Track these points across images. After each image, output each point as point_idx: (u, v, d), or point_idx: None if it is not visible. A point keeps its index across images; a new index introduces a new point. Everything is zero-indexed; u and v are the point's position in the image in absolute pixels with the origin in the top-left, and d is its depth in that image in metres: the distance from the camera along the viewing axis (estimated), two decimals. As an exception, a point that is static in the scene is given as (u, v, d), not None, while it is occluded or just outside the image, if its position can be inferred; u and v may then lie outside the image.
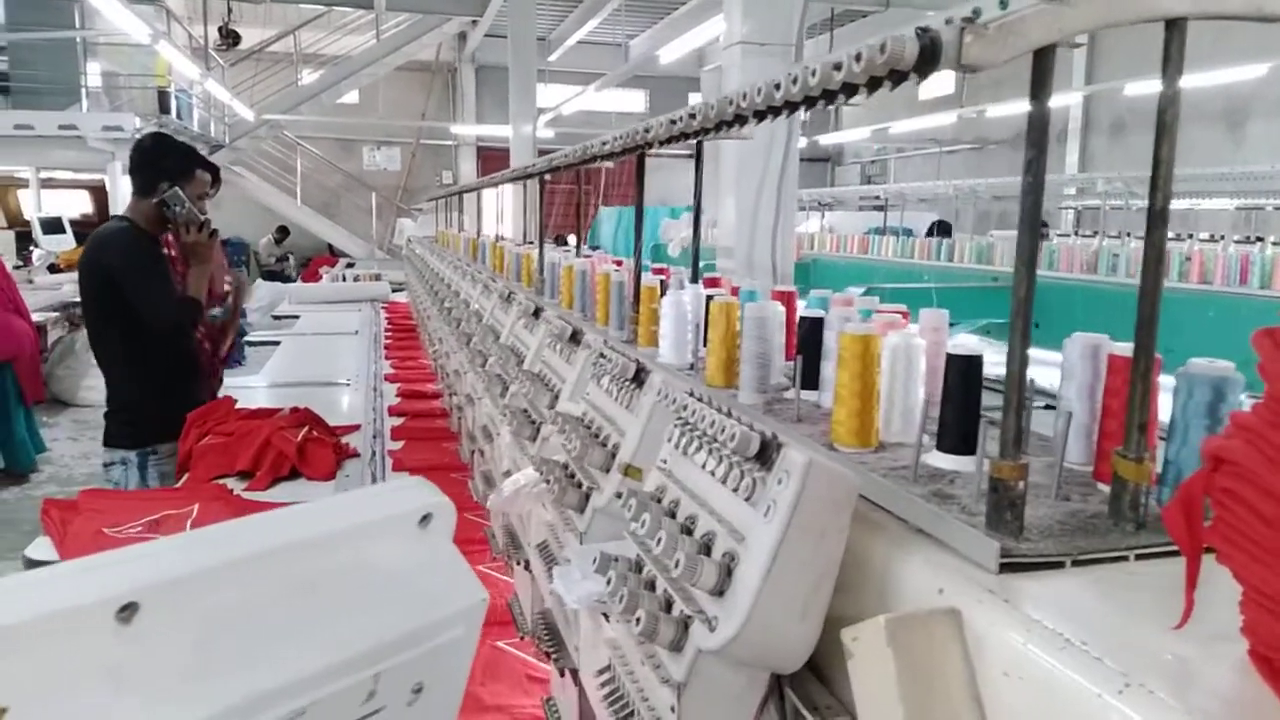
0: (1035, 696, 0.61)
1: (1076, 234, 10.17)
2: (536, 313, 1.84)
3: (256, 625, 0.41)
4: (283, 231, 16.28)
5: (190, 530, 2.14)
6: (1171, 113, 0.72)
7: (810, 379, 1.23)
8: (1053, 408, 0.98)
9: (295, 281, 12.69)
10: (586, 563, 0.99)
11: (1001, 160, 13.66)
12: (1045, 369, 2.06)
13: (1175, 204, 0.70)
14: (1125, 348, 0.81)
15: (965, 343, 0.94)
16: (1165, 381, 0.81)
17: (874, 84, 0.75)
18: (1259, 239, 6.52)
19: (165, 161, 2.95)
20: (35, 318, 7.04)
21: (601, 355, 1.21)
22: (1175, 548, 0.61)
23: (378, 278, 9.19)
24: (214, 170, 3.13)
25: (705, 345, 1.52)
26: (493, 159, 17.83)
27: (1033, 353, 0.81)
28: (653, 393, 1.05)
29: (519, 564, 1.55)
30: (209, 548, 0.45)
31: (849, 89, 0.80)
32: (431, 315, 3.92)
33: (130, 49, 11.10)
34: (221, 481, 2.53)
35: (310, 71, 14.41)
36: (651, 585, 0.85)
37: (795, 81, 0.86)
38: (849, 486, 0.72)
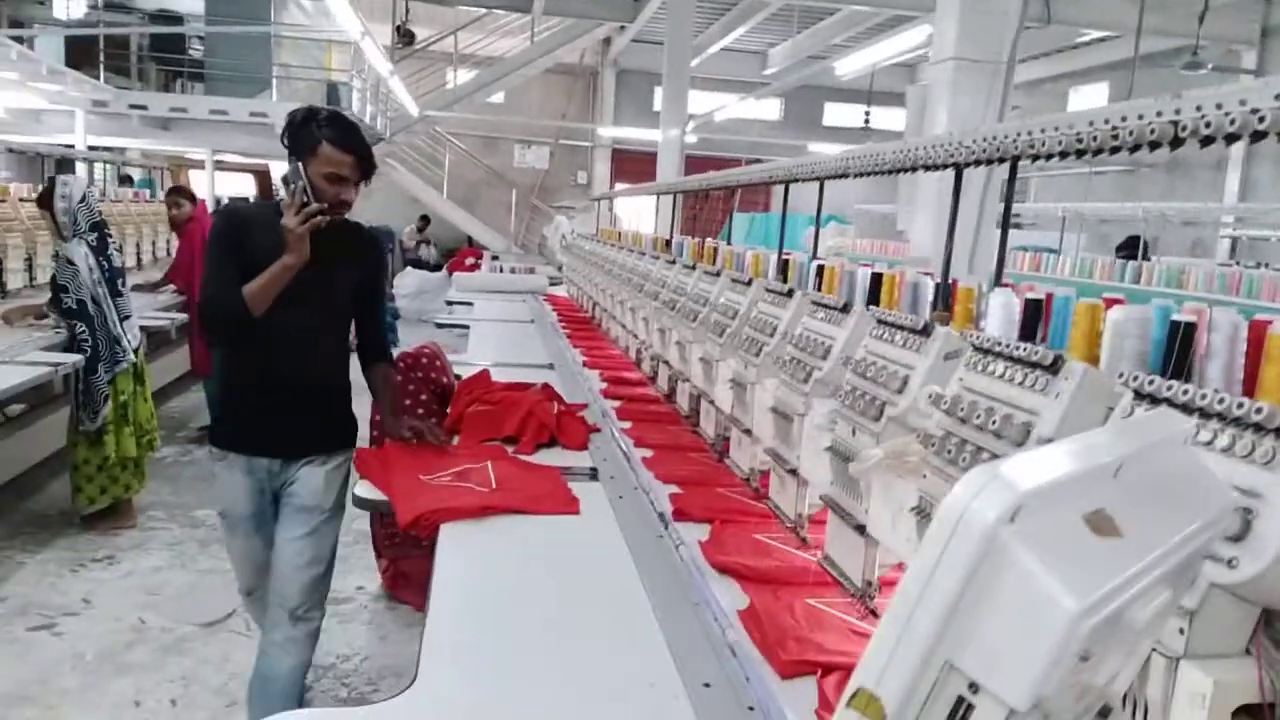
0: None
1: (1239, 264, 9.83)
2: (845, 308, 2.01)
3: (1157, 496, 0.59)
4: (424, 220, 17.03)
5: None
6: None
7: (1183, 378, 1.37)
8: None
9: (440, 270, 13.29)
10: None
11: (1156, 184, 13.23)
12: None
13: None
14: None
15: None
16: None
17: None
18: None
19: (295, 135, 2.50)
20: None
21: (987, 347, 1.38)
22: None
23: (531, 270, 9.57)
24: (358, 152, 2.56)
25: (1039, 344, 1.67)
26: (626, 161, 18.23)
27: None
28: (1075, 379, 1.21)
29: (854, 528, 1.72)
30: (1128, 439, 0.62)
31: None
32: (639, 307, 4.15)
33: (306, 44, 11.84)
34: (493, 443, 2.79)
35: (465, 71, 15.04)
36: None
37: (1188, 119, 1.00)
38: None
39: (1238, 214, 10.45)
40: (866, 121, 17.02)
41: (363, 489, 2.40)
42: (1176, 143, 1.30)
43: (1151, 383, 1.07)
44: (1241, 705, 0.92)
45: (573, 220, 10.23)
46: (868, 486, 1.66)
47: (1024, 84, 15.34)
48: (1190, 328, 1.39)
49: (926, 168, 1.98)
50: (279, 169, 11.75)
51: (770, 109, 19.13)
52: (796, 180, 2.99)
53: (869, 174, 2.40)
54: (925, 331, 1.65)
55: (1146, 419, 0.87)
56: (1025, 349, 1.32)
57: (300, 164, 2.45)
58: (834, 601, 1.82)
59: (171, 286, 6.73)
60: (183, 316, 6.19)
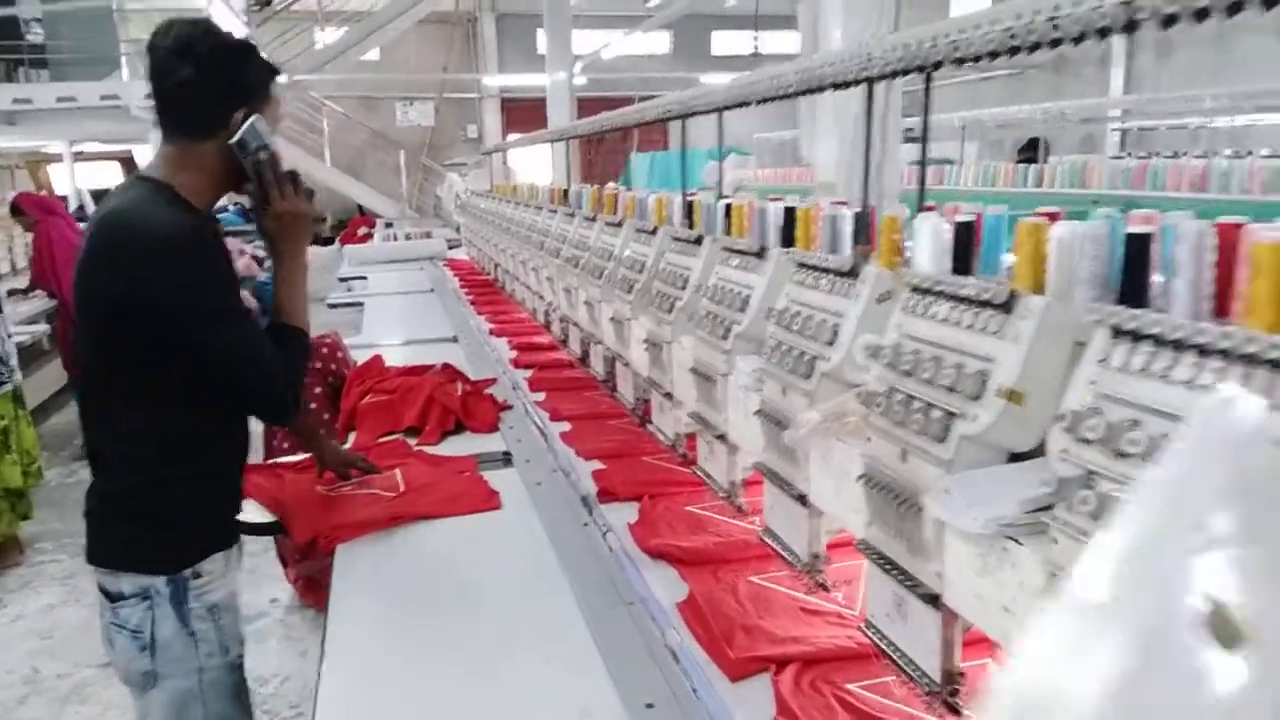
0: None
1: (1129, 155, 10.02)
2: (760, 253, 1.82)
3: None
4: (308, 195, 16.21)
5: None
6: None
7: (1137, 295, 1.22)
8: None
9: (333, 243, 12.68)
10: (971, 490, 1.00)
11: (1043, 85, 13.39)
12: None
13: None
14: None
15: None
16: None
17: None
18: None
19: (247, 72, 1.69)
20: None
21: (937, 285, 1.20)
22: None
23: (428, 235, 9.16)
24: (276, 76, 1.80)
25: (960, 271, 1.51)
26: (518, 110, 17.67)
27: None
28: (1034, 316, 1.04)
29: (794, 498, 1.56)
30: None
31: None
32: (541, 267, 3.91)
33: (158, 15, 10.98)
34: (394, 438, 2.55)
35: (333, 29, 14.23)
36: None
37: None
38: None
39: (1125, 107, 10.63)
40: (756, 48, 16.79)
41: (248, 510, 2.14)
42: (1103, 32, 1.14)
43: (1134, 318, 0.90)
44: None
45: (465, 178, 9.81)
46: (806, 452, 1.49)
47: (906, -5, 15.30)
48: (1145, 240, 1.24)
49: (835, 86, 1.78)
50: (144, 154, 10.85)
51: (660, 43, 18.71)
52: (695, 114, 2.76)
53: (773, 99, 2.20)
54: (852, 272, 1.47)
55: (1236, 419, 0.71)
56: (971, 285, 1.15)
57: (258, 117, 1.68)
58: (779, 576, 1.66)
59: (40, 292, 6.35)
60: (43, 328, 5.76)
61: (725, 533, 1.87)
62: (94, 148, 13.26)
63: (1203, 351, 0.82)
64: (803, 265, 1.63)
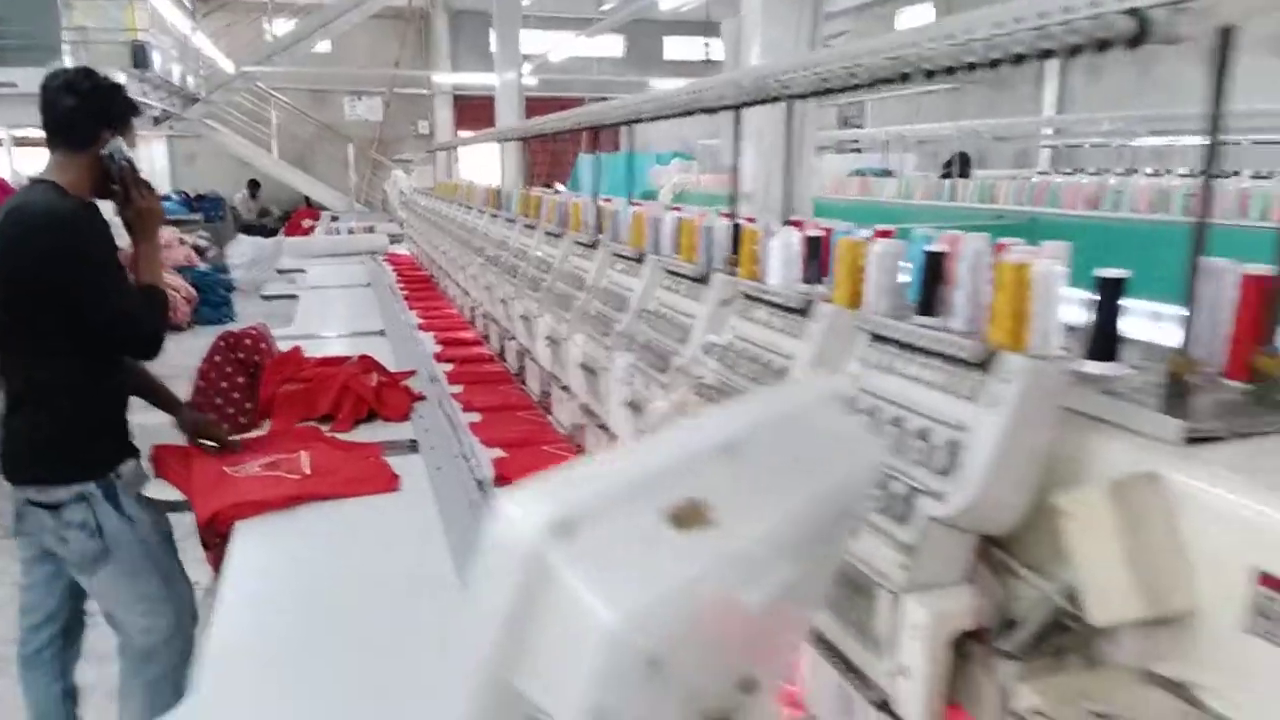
0: (1230, 528, 0.79)
1: (1056, 171, 10.41)
2: (640, 258, 1.98)
3: (783, 468, 0.57)
4: (254, 186, 16.08)
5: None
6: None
7: (929, 305, 1.41)
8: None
9: (276, 235, 12.64)
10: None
11: (981, 100, 13.81)
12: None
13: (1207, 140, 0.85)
14: (1257, 268, 0.99)
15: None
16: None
17: (1073, 52, 0.91)
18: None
19: (112, 103, 2.27)
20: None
21: (755, 292, 1.37)
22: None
23: (371, 230, 9.22)
24: (138, 115, 2.49)
25: (811, 281, 1.70)
26: (469, 108, 17.69)
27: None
28: (825, 320, 1.22)
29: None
30: (752, 414, 0.61)
31: (1048, 54, 0.95)
32: (467, 264, 4.04)
33: (104, 3, 10.88)
34: (308, 424, 2.67)
35: (283, 21, 14.16)
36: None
37: (991, 41, 1.01)
38: (1059, 382, 0.90)
39: (1055, 125, 11.04)
40: (707, 54, 17.03)
41: (156, 488, 2.26)
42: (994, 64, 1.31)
43: (885, 327, 1.08)
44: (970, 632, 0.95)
45: (411, 174, 9.86)
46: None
47: (852, 9, 15.64)
48: (938, 257, 1.43)
49: (707, 110, 1.96)
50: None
51: (613, 46, 18.87)
52: (604, 126, 2.93)
53: (664, 117, 2.37)
54: (704, 279, 1.64)
55: (801, 384, 0.88)
56: (781, 294, 1.32)
57: (122, 140, 2.26)
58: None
59: None
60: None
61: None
62: (32, 133, 13.06)
63: (915, 349, 1.00)
64: (670, 271, 1.80)
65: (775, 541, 0.52)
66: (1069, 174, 8.99)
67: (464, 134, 15.09)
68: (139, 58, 11.60)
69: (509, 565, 0.41)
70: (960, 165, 8.69)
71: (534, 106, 11.37)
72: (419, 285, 5.92)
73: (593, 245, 2.35)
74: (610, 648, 0.39)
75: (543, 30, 15.57)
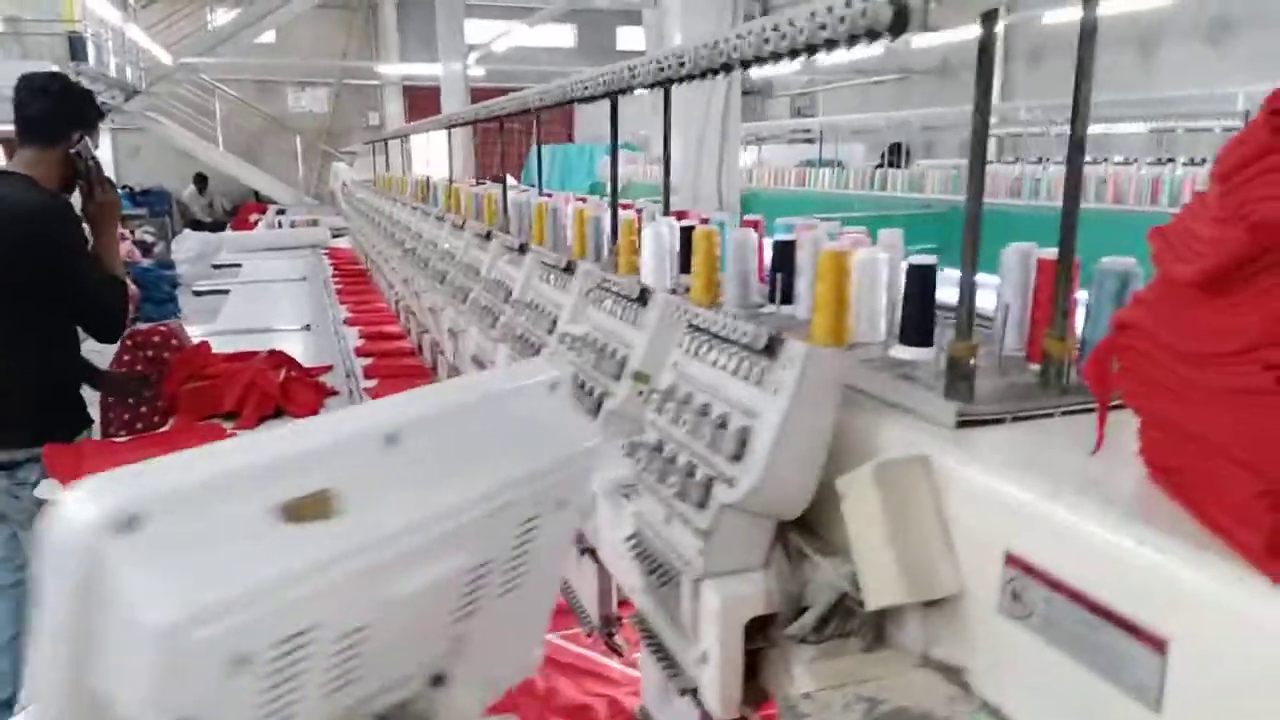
0: (986, 511, 0.81)
1: (999, 160, 10.54)
2: (523, 248, 1.98)
3: (455, 456, 0.57)
4: (201, 180, 15.78)
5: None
6: (1087, 50, 0.91)
7: (786, 294, 1.43)
8: (985, 326, 1.18)
9: (224, 229, 12.43)
10: (609, 455, 1.17)
11: (927, 90, 13.93)
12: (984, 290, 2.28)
13: (1091, 129, 0.87)
14: (1051, 253, 1.01)
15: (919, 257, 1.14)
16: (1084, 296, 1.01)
17: (851, 41, 0.92)
18: (1169, 160, 6.91)
19: (82, 106, 2.56)
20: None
21: (604, 282, 1.38)
22: (1092, 406, 0.81)
23: (315, 223, 9.11)
24: (102, 119, 2.80)
25: (685, 270, 1.71)
26: (420, 99, 17.47)
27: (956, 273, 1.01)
28: (657, 308, 1.23)
29: (583, 551, 1.72)
30: (429, 401, 0.60)
31: (828, 44, 0.97)
32: (390, 258, 4.01)
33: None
34: (212, 421, 2.64)
35: (225, 11, 13.91)
36: (671, 461, 1.03)
37: (777, 31, 1.02)
38: (837, 366, 0.91)
39: (998, 114, 11.18)
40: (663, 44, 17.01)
41: (46, 489, 2.22)
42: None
43: (696, 316, 1.09)
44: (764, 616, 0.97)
45: (354, 166, 9.74)
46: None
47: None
48: (788, 247, 1.44)
49: (582, 100, 1.95)
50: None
51: (564, 36, 18.78)
52: (512, 115, 2.91)
53: (571, 101, 2.35)
54: (569, 269, 1.64)
55: (513, 369, 0.88)
56: (620, 282, 1.33)
57: (88, 139, 2.54)
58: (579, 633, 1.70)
59: None
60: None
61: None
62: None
63: (715, 337, 1.01)
64: (543, 262, 1.80)
65: (432, 530, 0.52)
66: (1011, 163, 9.12)
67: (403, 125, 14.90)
68: (76, 49, 11.34)
69: (64, 563, 0.40)
70: (897, 155, 8.77)
71: (483, 98, 11.28)
72: (354, 278, 5.87)
73: (487, 237, 2.34)
74: (168, 647, 0.39)
75: (493, 20, 15.45)
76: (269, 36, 14.99)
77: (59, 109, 2.48)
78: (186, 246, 11.71)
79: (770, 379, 0.92)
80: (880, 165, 7.48)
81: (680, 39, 4.20)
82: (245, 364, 2.90)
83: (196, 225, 14.43)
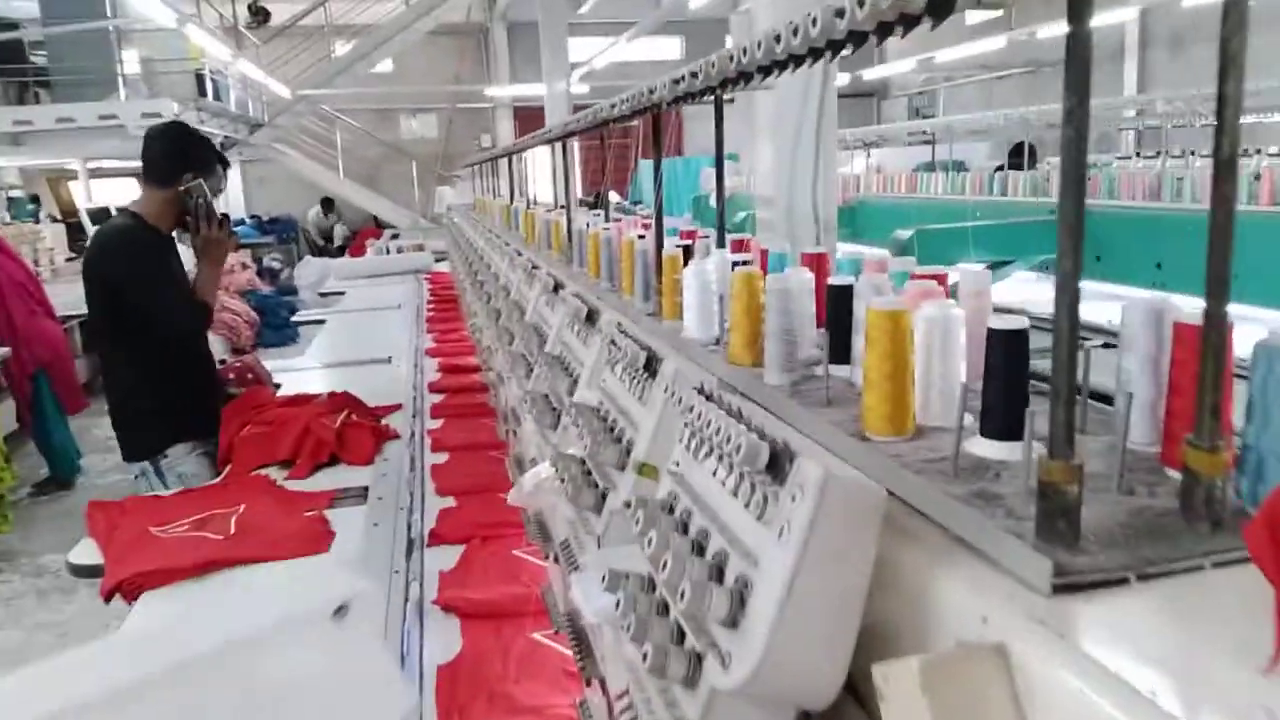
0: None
1: (1138, 156, 9.72)
2: (556, 288, 1.75)
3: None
4: (328, 204, 16.36)
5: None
6: (1237, 42, 0.60)
7: (841, 353, 1.14)
8: (1112, 345, 0.87)
9: (343, 254, 12.78)
10: (603, 569, 0.91)
11: (1058, 84, 13.06)
12: (1109, 304, 1.89)
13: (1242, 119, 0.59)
14: (1193, 313, 0.70)
15: (1009, 312, 0.84)
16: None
17: (908, 22, 0.65)
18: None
19: (192, 150, 2.82)
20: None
21: (613, 342, 1.13)
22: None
23: (420, 248, 9.19)
24: (226, 165, 3.03)
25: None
26: (530, 119, 17.66)
27: (1096, 286, 0.71)
28: (665, 382, 0.97)
29: (550, 556, 1.48)
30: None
31: (883, 29, 0.70)
32: (467, 288, 3.87)
33: (165, 34, 11.15)
34: (264, 471, 2.52)
35: (344, 43, 14.36)
36: (666, 606, 0.77)
37: (816, 23, 0.76)
38: (873, 501, 0.63)
39: (1134, 106, 10.31)
40: (769, 50, 16.56)
41: (80, 551, 2.12)
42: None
43: (708, 395, 0.82)
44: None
45: (456, 189, 9.81)
46: (550, 510, 1.42)
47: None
48: (844, 293, 1.16)
49: (615, 121, 1.70)
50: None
51: (672, 48, 18.64)
52: (599, 125, 2.69)
53: (614, 121, 2.12)
54: (590, 319, 1.40)
55: (289, 588, 0.63)
56: (624, 344, 1.07)
57: (201, 180, 2.75)
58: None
59: None
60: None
61: (536, 581, 1.80)
62: (113, 164, 13.53)
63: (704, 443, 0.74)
64: (574, 307, 1.56)
65: None
66: (1151, 158, 8.33)
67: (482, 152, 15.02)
68: (202, 86, 11.90)
69: None
70: (1021, 155, 8.14)
71: (586, 115, 11.20)
72: (447, 306, 5.81)
73: (534, 270, 2.13)
74: None
75: (598, 37, 15.44)
76: (386, 66, 15.40)
77: (171, 152, 2.77)
78: (307, 272, 12.11)
79: (776, 513, 0.65)
80: (1001, 167, 6.91)
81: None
82: (303, 408, 2.78)
83: (320, 250, 14.97)
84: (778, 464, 0.65)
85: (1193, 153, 7.48)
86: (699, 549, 0.74)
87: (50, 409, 5.69)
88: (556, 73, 10.79)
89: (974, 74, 15.05)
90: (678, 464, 0.85)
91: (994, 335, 0.81)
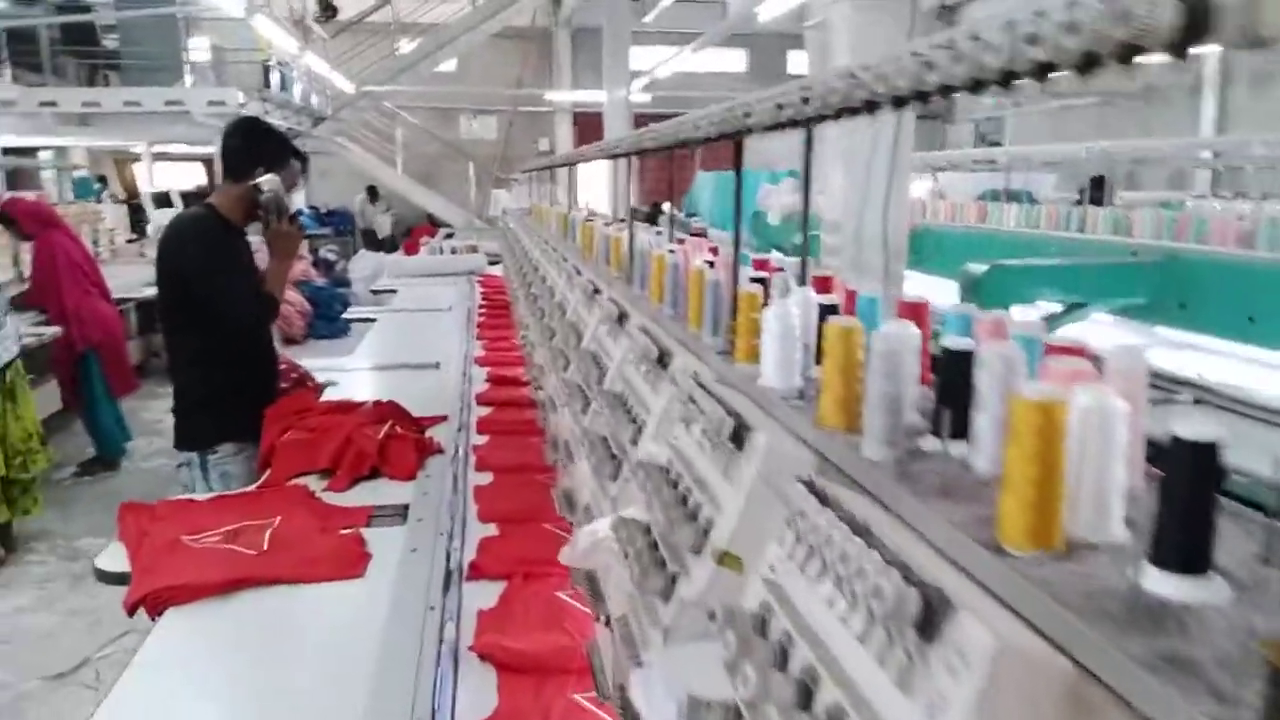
0: None
1: (1214, 195, 9.36)
2: (621, 318, 1.62)
3: None
4: (372, 192, 16.36)
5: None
6: None
7: (957, 429, 0.99)
8: (1202, 401, 0.72)
9: (397, 248, 12.80)
10: (671, 677, 0.78)
11: (1130, 116, 12.70)
12: (1201, 356, 1.68)
13: None
14: None
15: (1194, 420, 0.68)
16: None
17: (1090, 64, 0.51)
18: None
19: (266, 146, 2.87)
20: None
21: (691, 398, 0.99)
22: None
23: (474, 249, 9.15)
24: (304, 161, 3.08)
25: (817, 365, 1.29)
26: (589, 125, 17.64)
27: (1182, 336, 0.56)
28: (754, 465, 0.83)
29: (600, 618, 1.35)
30: None
31: (1045, 69, 0.56)
32: (520, 298, 3.77)
33: (235, 23, 11.29)
34: (302, 481, 2.43)
35: (408, 41, 14.45)
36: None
37: (959, 59, 0.62)
38: (1058, 681, 0.49)
39: (1211, 147, 9.93)
40: (833, 67, 16.36)
41: (107, 557, 2.04)
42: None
43: (816, 486, 0.69)
44: None
45: (512, 193, 9.76)
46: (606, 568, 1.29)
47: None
48: (963, 359, 1.01)
49: (698, 142, 1.57)
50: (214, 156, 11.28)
51: (735, 61, 18.50)
52: (659, 149, 2.57)
53: (697, 142, 1.99)
54: (661, 361, 1.26)
55: None
56: (706, 405, 0.94)
57: (274, 175, 2.78)
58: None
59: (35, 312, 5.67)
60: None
61: (578, 630, 1.67)
62: (178, 148, 13.74)
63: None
64: (639, 344, 1.43)
65: None
66: (1228, 199, 7.99)
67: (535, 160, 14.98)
68: (268, 78, 12.03)
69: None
70: (1096, 189, 7.84)
71: (646, 124, 11.12)
72: (498, 310, 5.71)
73: (596, 292, 2.00)
74: None
75: (662, 46, 15.35)
76: (449, 65, 15.47)
77: (244, 147, 2.82)
78: (361, 265, 12.14)
79: (923, 681, 0.51)
80: (1080, 201, 6.61)
81: (848, 59, 3.75)
82: (347, 416, 2.69)
83: (373, 243, 15.03)
84: (930, 619, 0.51)
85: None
86: (805, 692, 0.60)
87: (99, 390, 5.71)
88: (617, 80, 10.72)
89: (1043, 101, 14.69)
90: (774, 569, 0.72)
91: (1179, 449, 0.66)
